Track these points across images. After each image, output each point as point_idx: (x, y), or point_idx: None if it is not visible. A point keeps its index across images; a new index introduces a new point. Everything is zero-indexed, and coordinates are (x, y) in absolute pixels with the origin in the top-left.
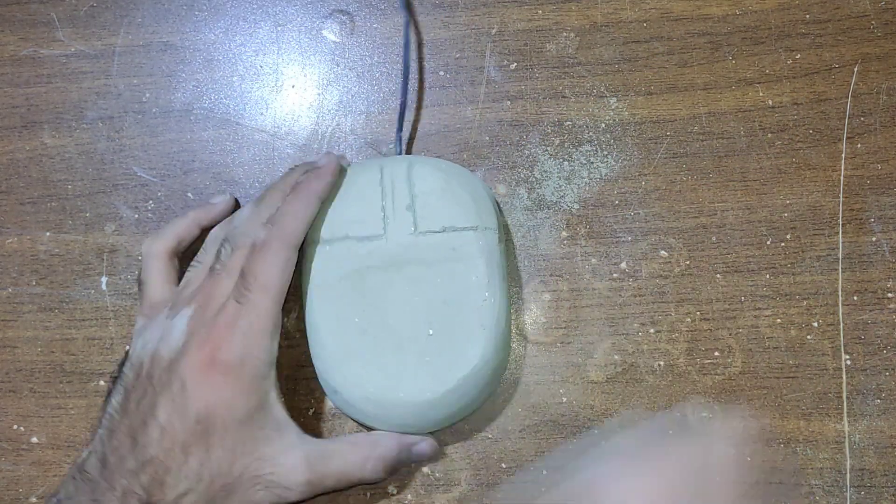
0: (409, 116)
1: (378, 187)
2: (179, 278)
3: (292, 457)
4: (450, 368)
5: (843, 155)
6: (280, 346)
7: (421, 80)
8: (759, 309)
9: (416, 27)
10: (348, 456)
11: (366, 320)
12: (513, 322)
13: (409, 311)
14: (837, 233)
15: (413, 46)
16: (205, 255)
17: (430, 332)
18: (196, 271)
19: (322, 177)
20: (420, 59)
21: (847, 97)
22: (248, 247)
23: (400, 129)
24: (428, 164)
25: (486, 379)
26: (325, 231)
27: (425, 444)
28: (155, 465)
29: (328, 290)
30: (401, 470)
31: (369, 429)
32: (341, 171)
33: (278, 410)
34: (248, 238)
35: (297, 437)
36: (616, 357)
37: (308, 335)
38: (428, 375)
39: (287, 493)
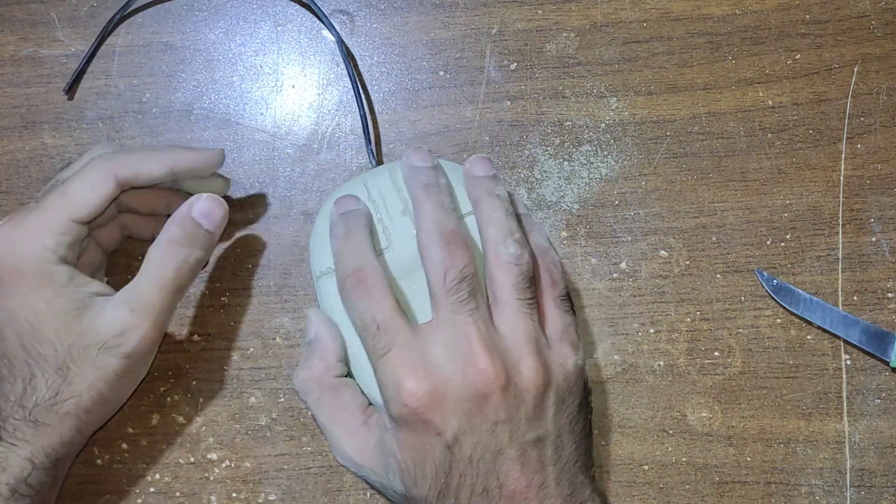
0: (410, 116)
1: (369, 202)
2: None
3: (113, 314)
4: None
5: (843, 155)
6: (279, 346)
7: (421, 81)
8: (759, 309)
9: (347, 49)
10: (153, 263)
11: None
12: None
13: None
14: (837, 233)
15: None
16: None
17: None
18: None
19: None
20: (420, 59)
21: (847, 97)
22: (79, 164)
23: (368, 141)
24: None
25: None
26: (332, 260)
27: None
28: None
29: None
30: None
31: None
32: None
33: (83, 287)
34: (86, 157)
35: (117, 296)
36: (616, 357)
37: (352, 370)
38: None
39: (127, 345)
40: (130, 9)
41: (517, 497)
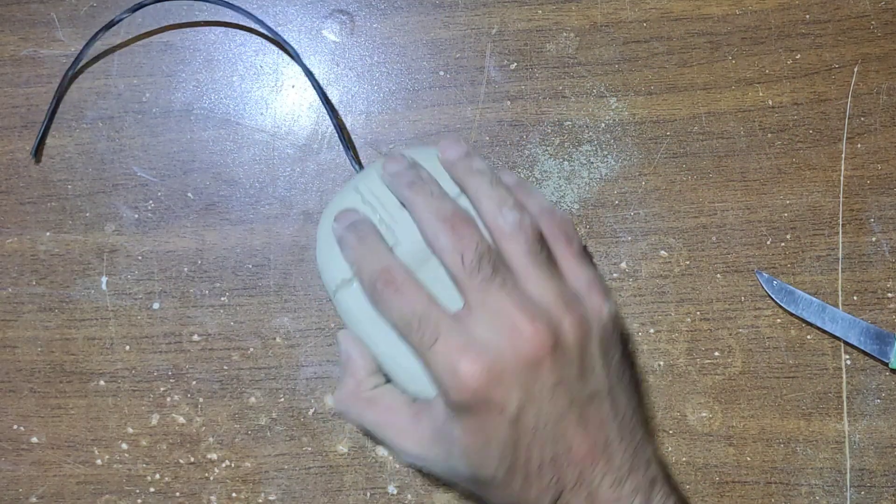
0: (410, 116)
1: (365, 206)
2: None
3: None
4: None
5: (843, 155)
6: (279, 346)
7: (421, 81)
8: (759, 309)
9: (306, 67)
10: None
11: None
12: None
13: None
14: (837, 233)
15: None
16: None
17: None
18: None
19: None
20: (420, 59)
21: (847, 97)
22: None
23: (347, 149)
24: None
25: None
26: (345, 271)
27: None
28: None
29: (380, 322)
30: None
31: None
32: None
33: None
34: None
35: None
36: None
37: (390, 374)
38: None
39: None
40: (120, 20)
41: (585, 460)
